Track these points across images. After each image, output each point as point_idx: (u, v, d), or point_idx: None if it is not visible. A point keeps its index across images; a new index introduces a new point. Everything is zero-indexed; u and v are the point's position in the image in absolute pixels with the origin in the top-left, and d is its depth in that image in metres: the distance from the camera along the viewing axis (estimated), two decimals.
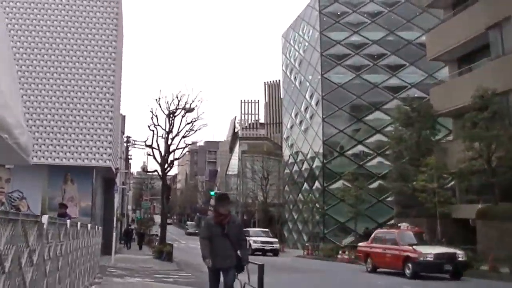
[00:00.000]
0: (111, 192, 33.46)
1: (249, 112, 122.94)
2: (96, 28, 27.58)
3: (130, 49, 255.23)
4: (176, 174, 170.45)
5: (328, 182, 62.31)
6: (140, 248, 45.92)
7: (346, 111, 63.79)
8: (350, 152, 63.34)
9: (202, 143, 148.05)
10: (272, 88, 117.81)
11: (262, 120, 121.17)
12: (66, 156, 26.11)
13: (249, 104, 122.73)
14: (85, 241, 15.43)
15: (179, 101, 36.18)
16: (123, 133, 63.93)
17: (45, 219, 6.02)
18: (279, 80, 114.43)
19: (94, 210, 27.84)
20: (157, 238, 46.53)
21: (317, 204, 58.36)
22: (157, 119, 35.91)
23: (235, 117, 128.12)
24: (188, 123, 36.49)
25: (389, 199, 57.87)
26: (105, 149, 26.39)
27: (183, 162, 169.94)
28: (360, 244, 28.38)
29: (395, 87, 62.73)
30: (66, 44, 27.14)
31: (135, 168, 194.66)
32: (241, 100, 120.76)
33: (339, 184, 62.20)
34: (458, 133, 33.53)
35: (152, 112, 35.80)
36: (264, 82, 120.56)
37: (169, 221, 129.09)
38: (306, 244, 51.80)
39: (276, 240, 46.90)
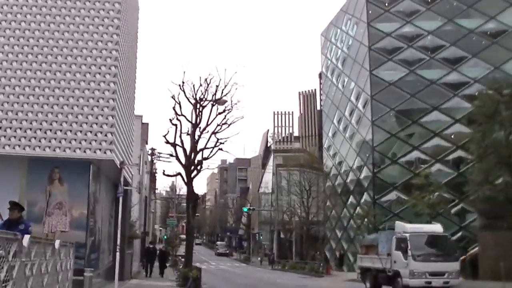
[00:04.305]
0: (125, 201, 26.05)
1: (283, 125, 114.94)
2: None
3: (159, 65, 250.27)
4: (205, 193, 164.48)
5: (379, 194, 54.27)
6: (162, 273, 37.03)
7: (398, 112, 55.70)
8: (403, 159, 55.16)
9: (232, 160, 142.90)
10: (307, 99, 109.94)
11: (296, 133, 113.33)
12: (51, 145, 18.64)
13: (283, 115, 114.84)
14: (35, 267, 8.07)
15: (208, 85, 28.73)
16: (146, 142, 57.46)
17: None
18: (315, 90, 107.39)
19: (93, 222, 20.32)
20: (182, 259, 38.99)
21: (366, 219, 50.40)
22: (180, 107, 28.46)
23: (268, 130, 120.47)
24: (220, 113, 28.97)
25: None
26: (105, 135, 18.85)
27: (213, 180, 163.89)
28: None
29: (455, 83, 54.33)
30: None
31: (163, 185, 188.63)
32: (274, 112, 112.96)
33: (391, 196, 54.52)
34: None
35: (174, 98, 28.32)
36: (299, 92, 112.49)
37: (198, 241, 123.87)
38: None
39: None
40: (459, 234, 50.25)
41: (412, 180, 46.66)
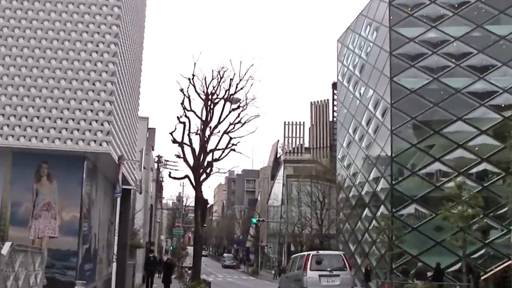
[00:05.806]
0: (126, 205, 23.29)
1: (293, 135, 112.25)
2: None
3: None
4: (212, 205, 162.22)
5: (397, 207, 51.11)
6: (167, 287, 33.41)
7: (419, 122, 52.49)
8: (423, 171, 51.89)
9: (240, 171, 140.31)
10: (319, 109, 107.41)
11: (306, 145, 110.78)
12: (38, 134, 15.79)
13: (293, 126, 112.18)
14: None
15: (221, 79, 26.05)
16: (152, 148, 54.87)
17: None
18: (327, 100, 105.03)
19: (87, 227, 17.46)
20: (189, 271, 36.07)
21: (383, 233, 47.45)
22: (189, 102, 25.75)
23: (278, 140, 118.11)
24: (234, 109, 26.24)
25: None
26: (101, 124, 15.96)
27: (220, 191, 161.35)
28: None
29: (482, 92, 50.80)
30: None
31: (170, 195, 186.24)
32: (284, 122, 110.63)
33: (410, 209, 51.32)
34: None
35: (183, 92, 25.61)
36: (311, 103, 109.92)
37: (204, 252, 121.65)
38: (381, 282, 40.90)
39: None
40: (483, 251, 47.29)
41: (438, 192, 43.62)
